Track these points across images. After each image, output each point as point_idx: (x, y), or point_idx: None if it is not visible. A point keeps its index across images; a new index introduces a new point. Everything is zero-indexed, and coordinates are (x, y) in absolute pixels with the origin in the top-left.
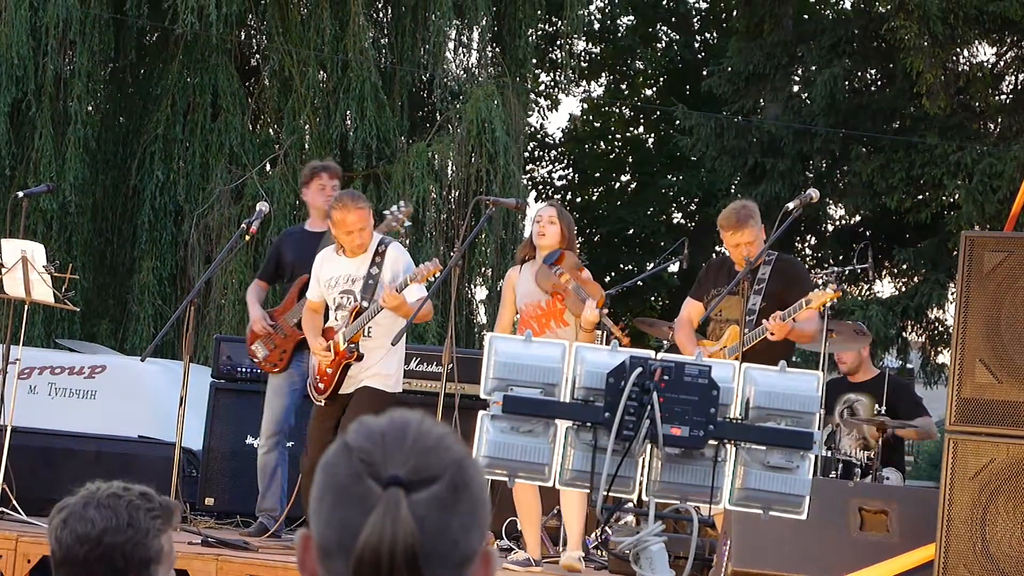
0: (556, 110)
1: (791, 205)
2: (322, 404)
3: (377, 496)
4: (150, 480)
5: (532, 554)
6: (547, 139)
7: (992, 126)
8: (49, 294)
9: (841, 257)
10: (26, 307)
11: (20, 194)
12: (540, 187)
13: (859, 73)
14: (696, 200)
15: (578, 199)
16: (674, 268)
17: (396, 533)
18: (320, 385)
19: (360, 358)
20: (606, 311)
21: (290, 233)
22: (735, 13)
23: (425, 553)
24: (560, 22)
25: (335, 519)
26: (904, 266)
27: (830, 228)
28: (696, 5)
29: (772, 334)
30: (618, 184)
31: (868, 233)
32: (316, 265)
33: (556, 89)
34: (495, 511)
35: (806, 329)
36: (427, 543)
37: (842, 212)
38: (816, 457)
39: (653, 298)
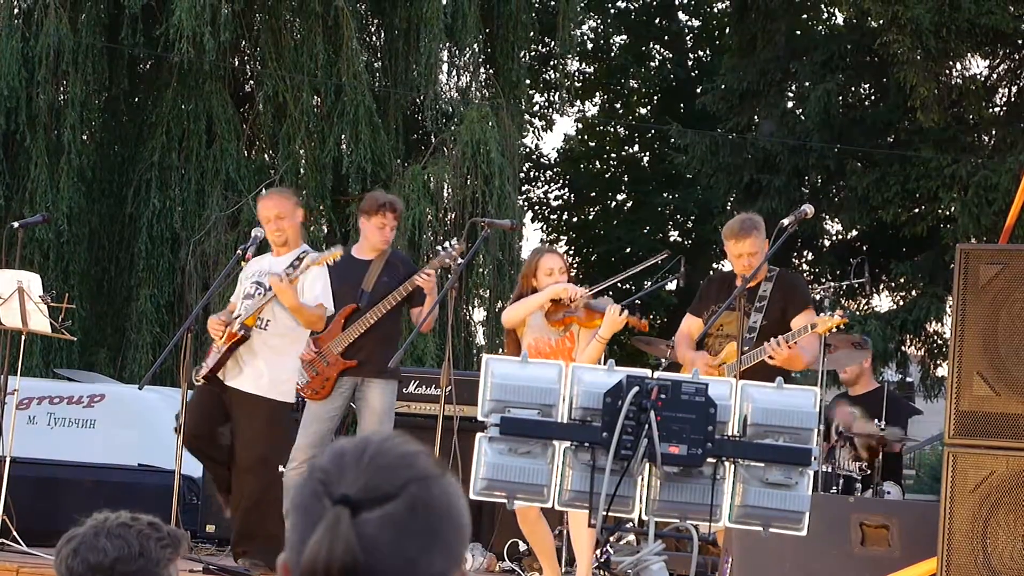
0: (551, 130)
1: (786, 221)
2: (200, 382)
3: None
4: (150, 508)
5: None
6: (542, 159)
7: (986, 138)
8: (46, 324)
9: (838, 272)
10: (23, 337)
11: (16, 224)
12: (536, 208)
13: (852, 88)
14: (692, 218)
15: (574, 219)
16: (671, 286)
17: (333, 552)
18: (204, 363)
19: (246, 338)
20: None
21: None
22: (727, 31)
23: (374, 573)
24: (553, 42)
25: (295, 539)
26: (901, 280)
27: (826, 243)
28: (688, 23)
29: (771, 358)
30: (614, 203)
31: (865, 247)
32: (242, 273)
33: (550, 109)
34: (497, 533)
35: (803, 356)
36: (377, 564)
37: (838, 227)
38: (816, 473)
39: (651, 316)
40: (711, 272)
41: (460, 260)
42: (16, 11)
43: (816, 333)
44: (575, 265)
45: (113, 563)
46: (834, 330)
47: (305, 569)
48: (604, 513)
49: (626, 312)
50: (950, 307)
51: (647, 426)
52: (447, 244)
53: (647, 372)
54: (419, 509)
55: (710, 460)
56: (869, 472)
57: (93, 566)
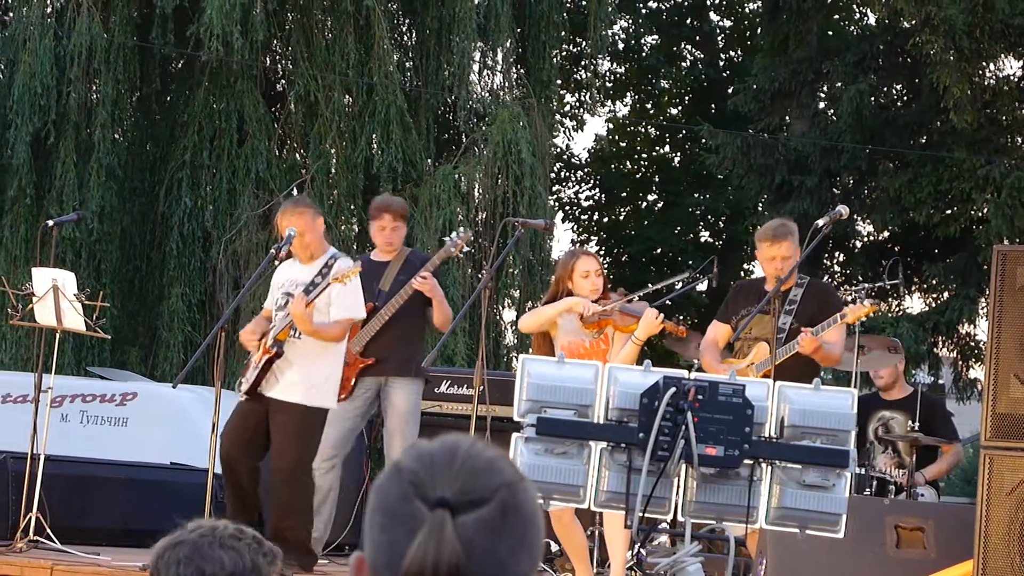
0: (582, 130)
1: (821, 222)
2: (243, 399)
3: (424, 517)
4: (182, 507)
5: None
6: (573, 159)
7: (1020, 139)
8: (80, 322)
9: (870, 273)
10: (57, 335)
11: (50, 223)
12: (567, 208)
13: (885, 89)
14: (723, 218)
15: (605, 219)
16: (703, 287)
17: (440, 555)
18: (243, 380)
19: (280, 354)
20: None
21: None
22: (759, 31)
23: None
24: (584, 42)
25: (383, 540)
26: (934, 281)
27: (858, 244)
28: (720, 23)
29: (801, 347)
30: (645, 203)
31: (897, 249)
32: (274, 276)
33: (581, 109)
34: None
35: (830, 352)
36: (473, 566)
37: (870, 228)
38: (851, 475)
39: (682, 317)
40: (742, 272)
41: (466, 248)
42: (48, 10)
43: (846, 322)
44: (606, 265)
45: None
46: (863, 319)
47: (411, 571)
48: (640, 514)
49: (662, 316)
50: (983, 309)
51: (684, 427)
52: (453, 234)
53: (684, 373)
54: (509, 513)
55: (747, 461)
56: (909, 477)
57: None
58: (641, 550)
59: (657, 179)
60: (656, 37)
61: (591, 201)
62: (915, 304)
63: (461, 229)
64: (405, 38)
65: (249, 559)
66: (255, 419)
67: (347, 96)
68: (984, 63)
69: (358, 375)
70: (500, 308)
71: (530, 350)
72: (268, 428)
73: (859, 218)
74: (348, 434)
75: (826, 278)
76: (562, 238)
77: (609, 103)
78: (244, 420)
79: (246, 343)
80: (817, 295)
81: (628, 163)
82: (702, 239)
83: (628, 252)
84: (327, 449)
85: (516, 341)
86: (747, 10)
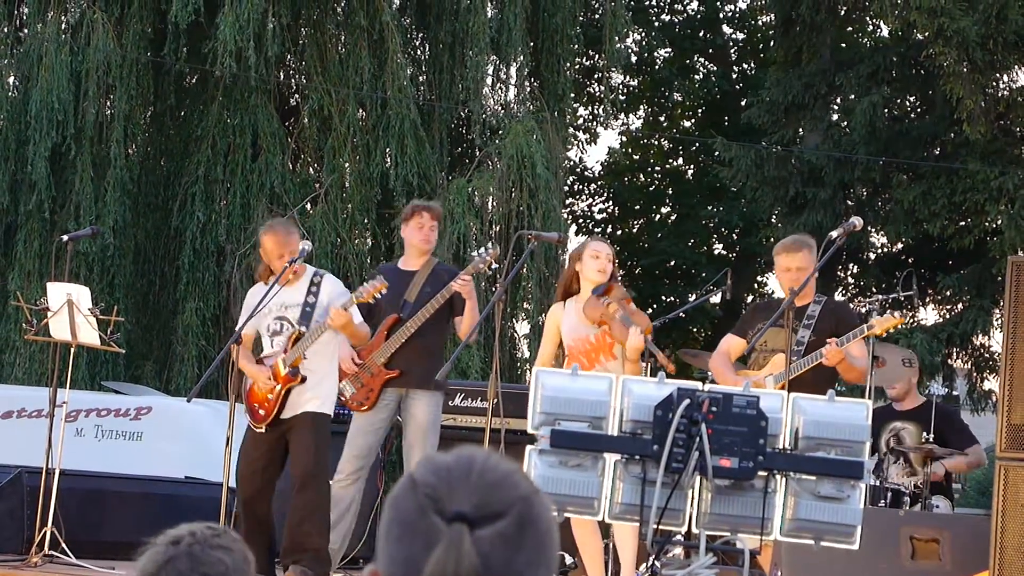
0: (595, 143)
1: (835, 234)
2: (262, 430)
3: (441, 531)
4: (198, 520)
5: None
6: (586, 172)
7: None
8: (95, 336)
9: (884, 285)
10: (71, 350)
11: (65, 238)
12: (580, 221)
13: (898, 100)
14: (737, 231)
15: (618, 232)
16: (716, 299)
17: (459, 569)
18: (261, 412)
19: (303, 380)
20: (651, 339)
21: (382, 270)
22: (772, 44)
23: None
24: (597, 56)
25: (400, 554)
26: (948, 292)
27: (872, 256)
28: (733, 36)
29: (827, 359)
30: (658, 216)
31: (911, 260)
32: (248, 299)
33: (595, 122)
34: None
35: (856, 366)
36: None
37: (884, 240)
38: (865, 486)
39: (696, 329)
40: (756, 285)
41: (495, 264)
42: (64, 26)
43: (873, 334)
44: (620, 277)
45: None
46: (891, 330)
47: None
48: (655, 526)
49: (648, 339)
50: (998, 320)
51: (698, 439)
52: (481, 249)
53: (698, 385)
54: (526, 526)
55: (761, 473)
56: (923, 488)
57: None
58: (655, 562)
59: (670, 192)
60: (669, 50)
61: (604, 214)
62: (929, 315)
63: (490, 245)
64: (419, 52)
65: (240, 551)
66: (269, 444)
67: (361, 110)
68: (997, 74)
69: (382, 386)
70: (514, 321)
71: None
72: (283, 448)
73: (873, 230)
74: (374, 446)
75: (840, 290)
76: None
77: (622, 116)
78: (258, 448)
79: (265, 387)
80: (835, 312)
81: (641, 176)
82: (715, 252)
83: (641, 265)
84: (353, 460)
85: (530, 354)
86: (760, 23)
